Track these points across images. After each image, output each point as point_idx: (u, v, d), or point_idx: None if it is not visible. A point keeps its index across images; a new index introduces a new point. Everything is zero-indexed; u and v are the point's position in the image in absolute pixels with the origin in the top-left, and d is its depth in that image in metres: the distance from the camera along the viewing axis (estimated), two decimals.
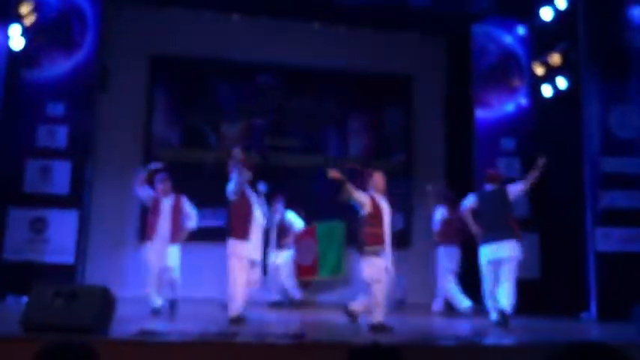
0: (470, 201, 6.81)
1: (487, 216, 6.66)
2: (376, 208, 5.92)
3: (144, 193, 7.03)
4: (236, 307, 5.88)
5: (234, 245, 6.04)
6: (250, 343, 4.38)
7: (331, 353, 4.03)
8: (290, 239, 8.68)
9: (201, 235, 8.44)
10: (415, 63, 10.31)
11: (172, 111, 9.77)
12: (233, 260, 6.01)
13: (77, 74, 8.35)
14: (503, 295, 6.34)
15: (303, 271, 9.13)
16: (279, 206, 8.61)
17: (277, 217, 8.58)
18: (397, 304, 8.24)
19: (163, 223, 6.90)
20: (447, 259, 8.09)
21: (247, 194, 6.24)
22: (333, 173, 5.85)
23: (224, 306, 6.11)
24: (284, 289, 8.62)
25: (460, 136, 9.69)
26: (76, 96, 8.27)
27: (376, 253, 5.75)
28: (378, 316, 5.66)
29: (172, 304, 6.85)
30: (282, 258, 8.61)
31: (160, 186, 7.02)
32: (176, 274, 6.95)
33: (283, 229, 8.63)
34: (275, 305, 8.38)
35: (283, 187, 9.50)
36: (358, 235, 5.97)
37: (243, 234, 6.06)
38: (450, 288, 7.96)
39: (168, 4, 9.44)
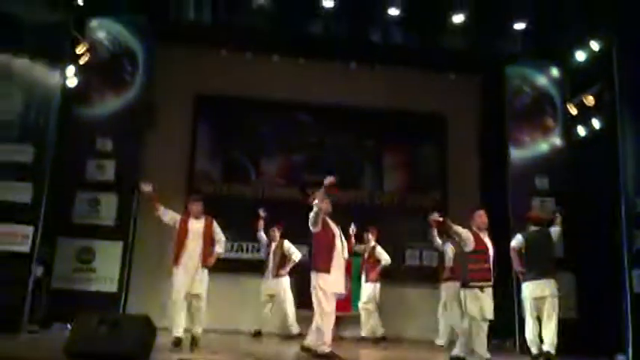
0: (518, 241, 7.05)
1: (533, 255, 6.86)
2: (480, 244, 6.12)
3: (165, 216, 6.67)
4: (328, 339, 5.95)
5: (317, 278, 6.08)
6: None
7: None
8: (287, 268, 8.62)
9: (240, 268, 8.77)
10: (450, 102, 10.50)
11: (215, 147, 10.14)
12: (318, 293, 6.04)
13: (126, 111, 8.79)
14: (547, 335, 6.57)
15: (338, 305, 9.22)
16: (276, 235, 8.68)
17: (274, 246, 8.65)
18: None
19: (192, 246, 6.52)
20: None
21: (330, 225, 6.27)
22: (434, 217, 6.26)
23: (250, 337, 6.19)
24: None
25: (494, 175, 9.78)
26: (124, 132, 8.69)
27: (482, 289, 5.96)
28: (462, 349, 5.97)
29: (195, 338, 6.45)
30: (281, 286, 8.59)
31: (191, 206, 6.72)
32: (201, 303, 6.55)
33: (282, 258, 8.63)
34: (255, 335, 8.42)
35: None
36: (461, 270, 6.23)
37: (324, 267, 6.10)
38: None
39: (214, 45, 9.89)
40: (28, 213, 7.24)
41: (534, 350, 6.78)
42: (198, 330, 6.49)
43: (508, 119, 9.43)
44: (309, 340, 6.19)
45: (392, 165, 10.49)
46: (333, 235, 6.23)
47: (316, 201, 6.12)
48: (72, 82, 8.17)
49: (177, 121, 9.91)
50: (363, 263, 8.95)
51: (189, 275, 6.42)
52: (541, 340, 6.72)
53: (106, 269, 8.30)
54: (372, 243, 8.82)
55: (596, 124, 8.64)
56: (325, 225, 6.24)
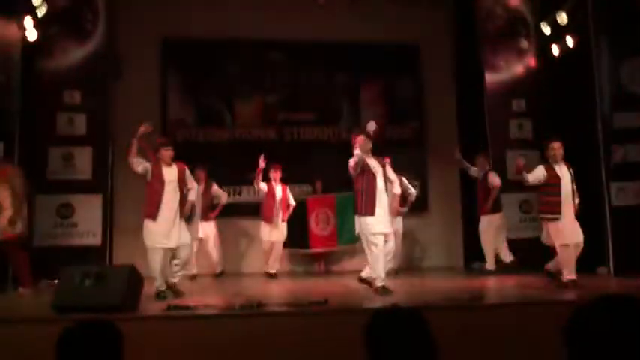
0: None
1: None
2: (552, 177, 6.29)
3: (138, 166, 6.22)
4: (381, 277, 5.99)
5: (360, 222, 6.12)
6: (275, 312, 4.57)
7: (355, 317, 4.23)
8: (216, 212, 8.60)
9: (222, 212, 8.75)
10: (423, 31, 10.31)
11: (186, 92, 9.90)
12: (365, 237, 6.09)
13: (91, 61, 8.55)
14: None
15: (321, 240, 9.34)
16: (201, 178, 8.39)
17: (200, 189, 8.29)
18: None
19: (169, 196, 6.16)
20: None
21: (370, 168, 6.17)
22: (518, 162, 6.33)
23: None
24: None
25: (471, 101, 9.75)
26: (92, 83, 8.49)
27: (553, 221, 6.19)
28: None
29: (174, 289, 6.19)
30: (210, 230, 8.56)
31: (163, 153, 6.26)
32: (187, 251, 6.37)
33: (210, 201, 8.59)
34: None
35: (299, 161, 9.73)
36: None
37: (367, 210, 6.08)
38: None
39: None
40: None
41: None
42: (175, 280, 6.22)
43: (482, 44, 9.32)
44: (366, 273, 6.26)
45: (369, 99, 10.37)
46: (374, 177, 6.15)
47: (357, 149, 6.08)
48: (32, 35, 7.85)
49: (145, 68, 9.62)
50: None
51: (170, 227, 6.08)
52: None
53: (87, 223, 8.27)
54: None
55: (569, 42, 8.56)
56: (365, 168, 6.15)
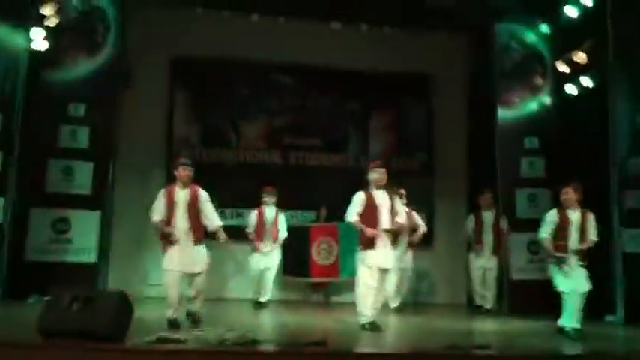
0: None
1: None
2: (563, 221, 6.16)
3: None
4: (367, 315, 5.92)
5: (360, 255, 6.06)
6: (268, 352, 4.34)
7: None
8: None
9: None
10: (437, 62, 10.18)
11: (193, 111, 9.78)
12: (362, 268, 6.02)
13: (99, 75, 8.39)
14: None
15: (323, 270, 9.10)
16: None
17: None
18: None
19: (179, 220, 5.86)
20: None
21: (375, 202, 6.08)
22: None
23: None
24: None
25: (482, 136, 9.55)
26: (97, 97, 8.31)
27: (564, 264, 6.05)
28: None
29: (194, 316, 5.97)
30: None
31: (180, 173, 5.97)
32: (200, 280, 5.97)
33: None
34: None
35: (304, 186, 9.55)
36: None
37: (367, 244, 5.99)
38: None
39: (188, 5, 9.41)
40: None
41: None
42: (196, 306, 5.97)
43: (496, 78, 9.14)
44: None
45: (377, 128, 10.21)
46: (378, 210, 6.06)
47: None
48: (41, 45, 7.73)
49: (152, 84, 9.51)
50: None
51: (181, 251, 5.82)
52: None
53: (83, 240, 8.05)
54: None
55: (587, 82, 8.38)
56: (370, 203, 6.07)
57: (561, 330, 6.15)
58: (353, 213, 6.12)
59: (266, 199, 8.25)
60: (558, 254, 6.10)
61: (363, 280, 6.03)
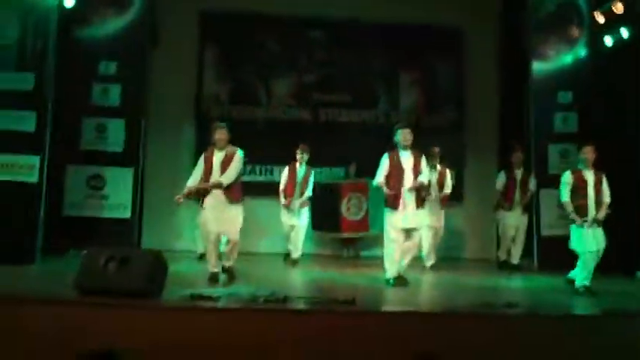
0: None
1: None
2: (580, 182, 6.13)
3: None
4: (391, 271, 6.15)
5: (385, 214, 6.22)
6: (299, 310, 4.43)
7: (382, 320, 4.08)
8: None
9: (254, 191, 8.57)
10: (468, 14, 9.90)
11: (222, 67, 9.78)
12: (387, 227, 6.20)
13: (128, 32, 8.39)
14: None
15: (352, 225, 9.17)
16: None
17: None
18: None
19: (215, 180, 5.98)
20: None
21: (400, 162, 6.19)
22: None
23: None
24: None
25: (515, 90, 9.38)
26: (128, 54, 8.34)
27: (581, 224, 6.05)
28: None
29: (229, 272, 6.19)
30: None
31: (215, 135, 6.08)
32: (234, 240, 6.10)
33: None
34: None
35: (333, 143, 9.54)
36: None
37: (391, 203, 6.15)
38: None
39: None
40: (34, 142, 7.02)
41: None
42: (229, 264, 6.17)
43: (530, 30, 8.88)
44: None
45: (408, 82, 10.08)
46: (402, 171, 6.16)
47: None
48: (69, 2, 7.73)
49: (182, 40, 9.52)
50: None
51: (216, 213, 5.95)
52: None
53: (117, 196, 8.21)
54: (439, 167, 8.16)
55: (624, 33, 8.10)
56: (394, 163, 6.19)
57: (571, 282, 6.23)
58: (379, 176, 6.26)
59: (300, 156, 8.15)
60: (580, 220, 6.08)
61: (388, 239, 6.22)
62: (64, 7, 7.62)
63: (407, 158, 6.22)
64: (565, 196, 6.20)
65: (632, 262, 7.64)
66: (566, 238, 7.74)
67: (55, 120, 7.41)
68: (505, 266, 8.32)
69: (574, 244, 6.15)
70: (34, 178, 6.96)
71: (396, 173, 6.17)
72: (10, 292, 4.76)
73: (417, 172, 6.20)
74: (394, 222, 6.14)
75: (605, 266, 7.53)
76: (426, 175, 6.36)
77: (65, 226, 7.92)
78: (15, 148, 6.92)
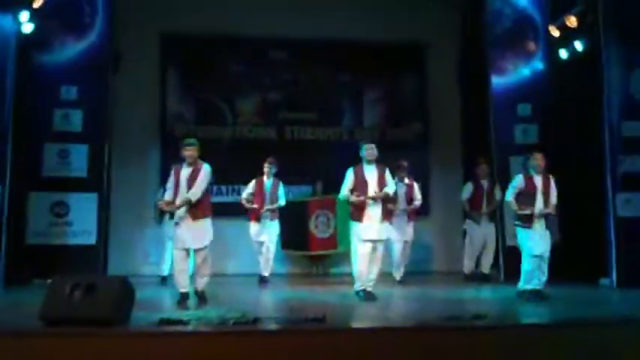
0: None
1: None
2: (530, 187, 6.32)
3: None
4: (360, 283, 6.26)
5: (352, 226, 6.35)
6: (269, 330, 4.41)
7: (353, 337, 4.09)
8: None
9: (221, 211, 8.51)
10: (429, 30, 10.13)
11: (186, 88, 9.78)
12: (353, 240, 6.32)
13: (89, 56, 8.31)
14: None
15: (321, 243, 9.20)
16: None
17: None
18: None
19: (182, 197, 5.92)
20: None
21: (364, 174, 6.31)
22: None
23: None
24: None
25: (476, 103, 9.54)
26: (89, 78, 8.26)
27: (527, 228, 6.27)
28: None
29: (200, 294, 6.07)
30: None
31: (183, 152, 6.05)
32: (202, 257, 6.02)
33: None
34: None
35: (300, 161, 9.57)
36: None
37: (356, 216, 6.29)
38: None
39: None
40: None
41: None
42: (200, 285, 6.06)
43: (489, 45, 9.10)
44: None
45: (371, 99, 10.23)
46: (366, 184, 6.28)
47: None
48: (27, 27, 7.63)
49: (144, 63, 9.47)
50: None
51: (186, 228, 5.92)
52: None
53: (82, 222, 8.08)
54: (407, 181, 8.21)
55: (579, 46, 8.35)
56: (358, 177, 6.33)
57: (521, 294, 6.25)
58: (344, 189, 6.39)
59: (267, 169, 8.09)
60: (523, 210, 6.27)
61: (355, 251, 6.34)
62: (22, 33, 7.54)
63: (371, 172, 6.35)
64: (510, 196, 6.44)
65: (594, 270, 7.80)
66: None
67: (15, 146, 7.29)
68: (472, 278, 8.40)
69: (521, 247, 6.34)
70: None
71: (360, 186, 6.28)
72: None
73: (381, 184, 6.32)
74: (360, 234, 6.24)
75: (569, 274, 7.76)
76: (392, 187, 6.46)
77: (29, 255, 7.75)
78: None
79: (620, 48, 7.84)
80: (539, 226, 6.27)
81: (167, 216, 6.47)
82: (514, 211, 6.41)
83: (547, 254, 6.25)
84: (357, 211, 6.29)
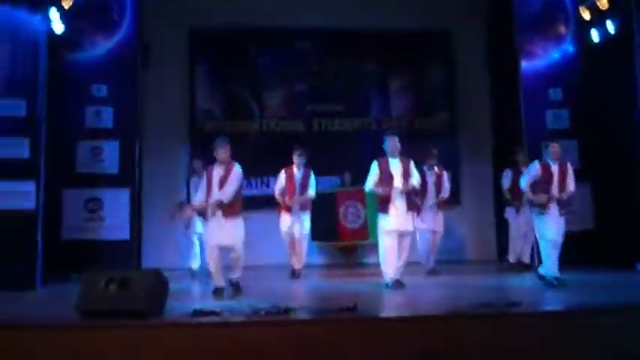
0: None
1: None
2: (545, 174, 6.43)
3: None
4: (388, 274, 6.33)
5: (379, 219, 6.46)
6: (301, 320, 4.44)
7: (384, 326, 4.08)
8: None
9: (250, 204, 8.56)
10: (454, 15, 10.01)
11: (214, 83, 9.85)
12: (380, 231, 6.44)
13: (118, 54, 8.43)
14: None
15: (351, 234, 9.19)
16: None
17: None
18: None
19: (214, 194, 6.08)
20: None
21: (389, 169, 6.40)
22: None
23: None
24: None
25: (505, 89, 9.42)
26: (119, 76, 8.38)
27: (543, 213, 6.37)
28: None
29: (235, 285, 6.22)
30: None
31: (216, 152, 6.17)
32: (236, 254, 6.14)
33: None
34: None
35: (327, 152, 9.56)
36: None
37: (382, 208, 6.41)
38: None
39: None
40: (29, 168, 7.02)
41: None
42: (234, 277, 6.22)
43: (517, 29, 8.94)
44: None
45: (398, 88, 10.16)
46: (391, 177, 6.38)
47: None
48: (58, 27, 7.77)
49: (173, 59, 9.58)
50: None
51: (218, 226, 6.04)
52: None
53: (115, 217, 8.21)
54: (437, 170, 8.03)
55: (610, 28, 8.18)
56: (383, 170, 6.41)
57: (542, 278, 6.35)
58: (370, 182, 6.50)
59: (296, 160, 7.83)
60: (539, 199, 6.33)
61: (382, 243, 6.43)
62: (53, 33, 7.67)
63: (396, 164, 6.44)
64: (525, 183, 6.53)
65: (630, 255, 7.66)
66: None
67: (49, 144, 7.43)
68: (516, 266, 8.17)
69: (541, 234, 6.41)
70: (30, 204, 6.96)
71: (385, 179, 6.38)
72: (14, 318, 4.77)
73: (406, 176, 6.43)
74: (386, 225, 6.37)
75: (605, 259, 7.65)
76: (416, 179, 6.53)
77: (65, 251, 7.90)
78: (10, 175, 6.91)
79: None
80: (554, 211, 6.33)
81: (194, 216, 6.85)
82: (530, 199, 6.50)
83: (560, 240, 6.31)
84: (383, 203, 6.40)
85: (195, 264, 8.22)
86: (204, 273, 7.27)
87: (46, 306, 5.92)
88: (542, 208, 6.31)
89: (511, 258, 8.38)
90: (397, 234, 6.34)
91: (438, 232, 7.99)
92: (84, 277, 4.67)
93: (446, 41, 10.19)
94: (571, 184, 6.43)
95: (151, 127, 9.18)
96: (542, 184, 6.39)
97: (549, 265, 6.28)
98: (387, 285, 6.33)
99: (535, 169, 6.49)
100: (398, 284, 6.28)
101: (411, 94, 10.15)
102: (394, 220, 6.32)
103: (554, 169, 6.42)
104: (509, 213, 8.36)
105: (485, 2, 10.14)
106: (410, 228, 6.49)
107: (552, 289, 6.06)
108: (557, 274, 6.23)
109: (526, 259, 8.26)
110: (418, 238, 7.66)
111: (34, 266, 6.94)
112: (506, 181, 8.32)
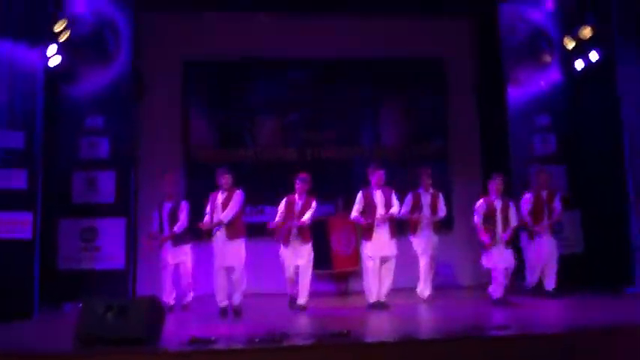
0: None
1: None
2: (490, 210, 7.13)
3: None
4: (371, 297, 6.93)
5: (363, 246, 7.16)
6: (295, 346, 4.51)
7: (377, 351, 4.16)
8: None
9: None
10: (445, 46, 10.25)
11: (208, 113, 9.98)
12: (364, 257, 7.12)
13: (114, 86, 8.59)
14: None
15: (344, 261, 9.27)
16: None
17: None
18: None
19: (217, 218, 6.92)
20: None
21: (372, 197, 7.10)
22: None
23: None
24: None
25: (494, 116, 9.62)
26: (114, 107, 8.55)
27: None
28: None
29: (236, 309, 6.85)
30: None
31: (218, 180, 7.08)
32: (236, 275, 6.85)
33: None
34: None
35: (321, 180, 9.65)
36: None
37: (365, 235, 7.11)
38: None
39: (197, 8, 9.59)
40: (26, 199, 7.14)
41: None
42: (236, 300, 6.84)
43: (504, 58, 9.19)
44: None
45: (391, 115, 10.33)
46: (374, 206, 7.07)
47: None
48: (54, 61, 7.93)
49: (167, 90, 9.72)
50: None
51: (222, 248, 6.81)
52: None
53: (110, 247, 8.30)
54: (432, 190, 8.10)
55: (594, 56, 8.42)
56: (367, 201, 7.12)
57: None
58: (354, 211, 7.21)
59: (299, 186, 7.48)
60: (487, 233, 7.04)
61: (366, 267, 7.06)
62: (50, 67, 7.83)
63: (379, 195, 7.13)
64: (477, 219, 7.21)
65: (619, 278, 7.78)
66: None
67: (45, 175, 7.54)
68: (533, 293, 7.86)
69: (485, 262, 7.15)
70: (27, 234, 7.05)
71: (369, 208, 7.07)
72: (11, 348, 4.82)
73: (388, 206, 7.10)
74: (369, 251, 7.00)
75: (592, 283, 7.76)
76: (396, 208, 7.15)
77: (60, 280, 7.98)
78: (8, 206, 7.02)
79: (636, 56, 7.89)
80: (501, 244, 7.02)
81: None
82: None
83: (510, 268, 7.10)
84: (365, 231, 7.09)
85: (168, 297, 7.54)
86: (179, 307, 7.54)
87: (43, 335, 5.97)
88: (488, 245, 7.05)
89: (527, 284, 8.00)
90: (379, 259, 6.90)
91: (434, 256, 8.03)
92: (83, 305, 4.75)
93: (437, 70, 10.38)
94: (513, 220, 7.11)
95: (147, 156, 9.30)
96: (488, 218, 7.06)
97: (496, 287, 7.07)
98: (370, 306, 6.83)
99: (480, 204, 7.19)
100: (382, 305, 6.84)
101: (403, 122, 10.31)
102: (376, 246, 6.94)
103: (498, 204, 7.09)
104: (528, 240, 7.99)
105: (475, 32, 10.40)
106: (392, 253, 7.01)
107: (498, 306, 6.85)
108: (502, 295, 7.00)
109: (550, 286, 7.74)
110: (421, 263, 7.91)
111: (31, 296, 7.01)
112: (525, 206, 7.93)
